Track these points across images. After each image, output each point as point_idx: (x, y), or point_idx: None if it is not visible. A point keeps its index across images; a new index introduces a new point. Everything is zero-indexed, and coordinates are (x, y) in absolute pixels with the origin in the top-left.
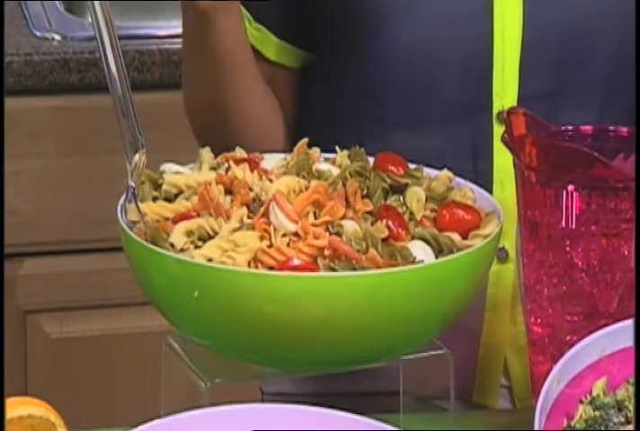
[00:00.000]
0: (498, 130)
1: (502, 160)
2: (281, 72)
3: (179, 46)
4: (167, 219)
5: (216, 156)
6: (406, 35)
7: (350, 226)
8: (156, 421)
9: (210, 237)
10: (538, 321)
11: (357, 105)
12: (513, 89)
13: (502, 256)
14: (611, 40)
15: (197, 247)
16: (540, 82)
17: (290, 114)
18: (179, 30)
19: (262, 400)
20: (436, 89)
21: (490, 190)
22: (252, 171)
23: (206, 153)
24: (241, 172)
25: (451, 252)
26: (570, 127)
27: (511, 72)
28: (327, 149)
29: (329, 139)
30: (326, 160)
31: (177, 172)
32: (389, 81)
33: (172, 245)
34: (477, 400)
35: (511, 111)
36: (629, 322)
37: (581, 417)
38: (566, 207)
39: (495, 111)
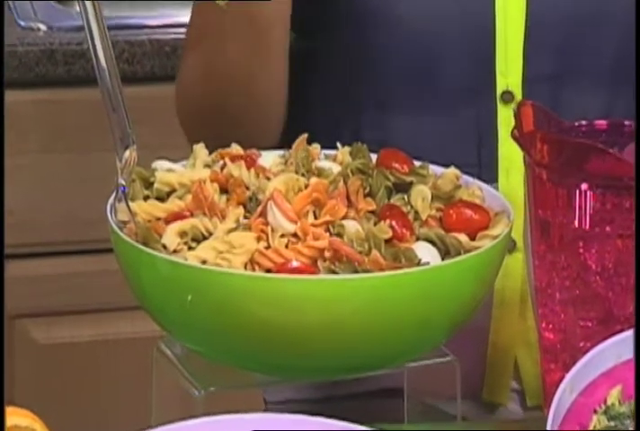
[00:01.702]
0: (502, 112)
1: (508, 146)
2: None
3: (171, 36)
4: (159, 219)
5: (210, 152)
6: (406, 14)
7: (351, 227)
8: None
9: (205, 238)
10: (550, 326)
11: (353, 90)
12: (517, 68)
13: (510, 245)
14: (619, 24)
15: (190, 248)
16: (545, 62)
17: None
18: (171, 20)
19: (266, 409)
20: (437, 70)
21: (495, 179)
22: (248, 168)
23: (200, 150)
24: (237, 170)
25: (458, 254)
26: (583, 122)
27: (514, 51)
28: (323, 141)
29: (324, 129)
30: (327, 157)
31: (169, 170)
32: (387, 63)
33: (164, 246)
34: (488, 399)
35: (521, 105)
36: None
37: (595, 427)
38: (579, 207)
39: (499, 91)
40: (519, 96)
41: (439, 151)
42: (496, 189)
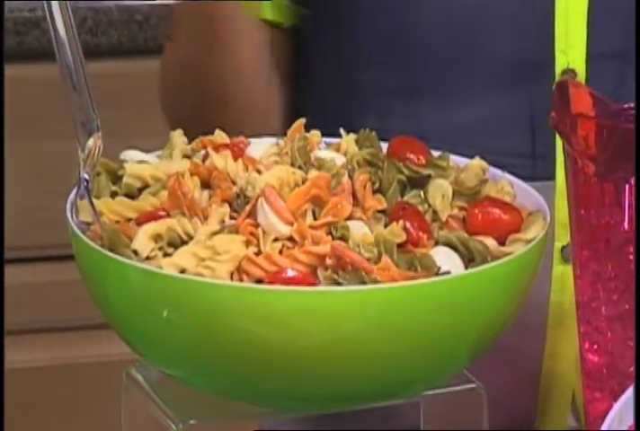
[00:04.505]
0: None
1: None
2: (275, 31)
3: (142, 2)
4: (129, 220)
5: (190, 141)
6: None
7: (358, 229)
8: None
9: (183, 242)
10: (595, 347)
11: (377, 75)
12: (580, 43)
13: (567, 254)
14: None
15: (166, 255)
16: (613, 34)
17: (291, 80)
18: None
19: None
20: (483, 47)
21: (552, 174)
22: (235, 159)
23: (177, 137)
24: (222, 161)
25: (485, 261)
26: (634, 104)
27: (577, 23)
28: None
29: (343, 124)
30: (328, 146)
31: (141, 161)
32: (421, 40)
33: (135, 252)
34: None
35: (560, 83)
36: None
37: None
38: (629, 205)
39: (558, 70)
40: (582, 75)
41: (483, 142)
42: (552, 187)
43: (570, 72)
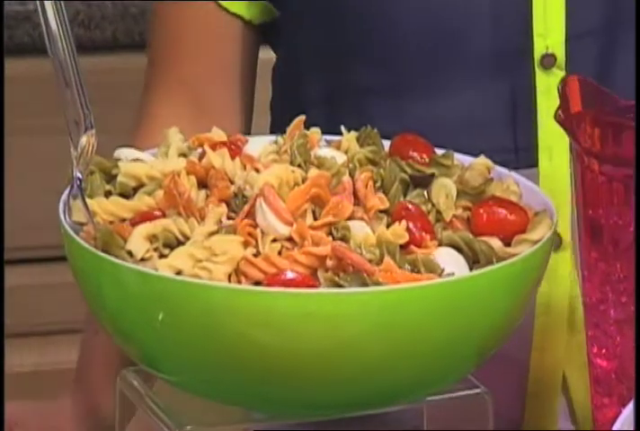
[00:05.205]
0: (542, 80)
1: (550, 120)
2: (239, 25)
3: None
4: (124, 220)
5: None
6: None
7: (359, 229)
8: None
9: (180, 243)
10: (603, 351)
11: (357, 73)
12: (559, 25)
13: (555, 242)
14: None
15: (162, 256)
16: (592, 13)
17: (250, 81)
18: None
19: None
20: (461, 37)
21: (535, 162)
22: (232, 157)
23: (174, 135)
24: (219, 160)
25: (490, 263)
26: None
27: (555, 4)
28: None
29: (326, 121)
30: (329, 144)
31: (136, 160)
32: (398, 34)
33: (130, 253)
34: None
35: (566, 81)
36: None
37: None
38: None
39: (537, 56)
40: (561, 58)
41: (465, 135)
42: (536, 174)
43: (549, 56)
